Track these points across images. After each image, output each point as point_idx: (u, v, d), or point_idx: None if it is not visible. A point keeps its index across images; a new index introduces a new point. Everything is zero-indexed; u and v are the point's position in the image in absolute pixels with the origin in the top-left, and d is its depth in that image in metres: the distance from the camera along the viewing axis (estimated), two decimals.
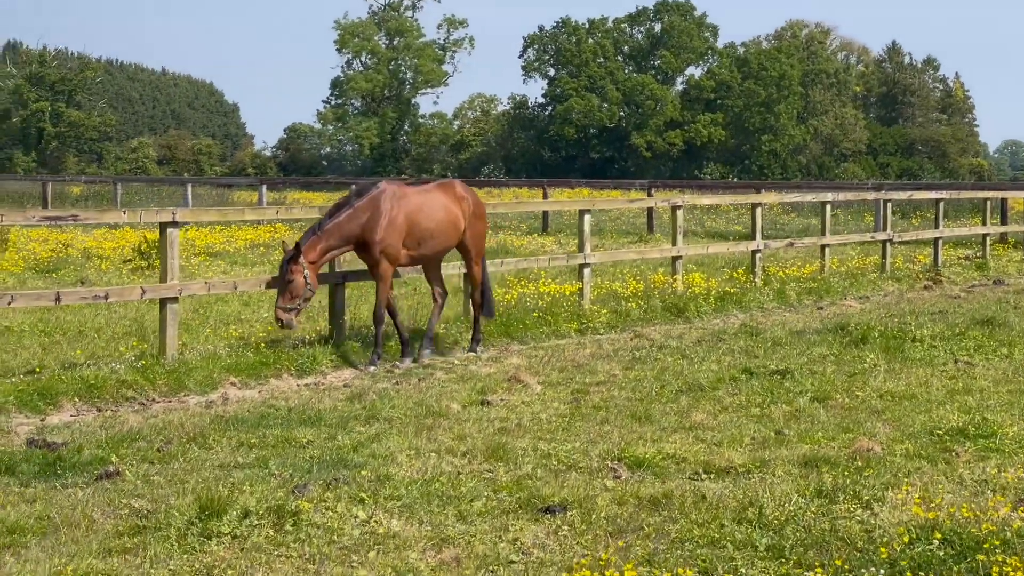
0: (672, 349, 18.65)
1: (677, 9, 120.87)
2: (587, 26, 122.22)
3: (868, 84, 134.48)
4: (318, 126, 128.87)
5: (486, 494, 10.54)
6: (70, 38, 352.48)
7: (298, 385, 16.47)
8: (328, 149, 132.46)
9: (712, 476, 11.20)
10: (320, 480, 10.87)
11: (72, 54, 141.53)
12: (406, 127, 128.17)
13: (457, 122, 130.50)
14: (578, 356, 18.29)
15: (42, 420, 14.04)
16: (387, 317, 18.16)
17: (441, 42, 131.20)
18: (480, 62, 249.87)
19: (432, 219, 18.37)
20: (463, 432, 12.99)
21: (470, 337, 19.32)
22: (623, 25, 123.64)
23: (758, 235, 27.11)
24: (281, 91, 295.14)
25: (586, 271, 22.38)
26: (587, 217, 22.61)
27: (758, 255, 26.77)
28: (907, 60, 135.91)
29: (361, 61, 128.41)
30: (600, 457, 11.83)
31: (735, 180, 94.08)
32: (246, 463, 11.62)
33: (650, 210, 42.22)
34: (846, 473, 11.04)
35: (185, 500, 10.10)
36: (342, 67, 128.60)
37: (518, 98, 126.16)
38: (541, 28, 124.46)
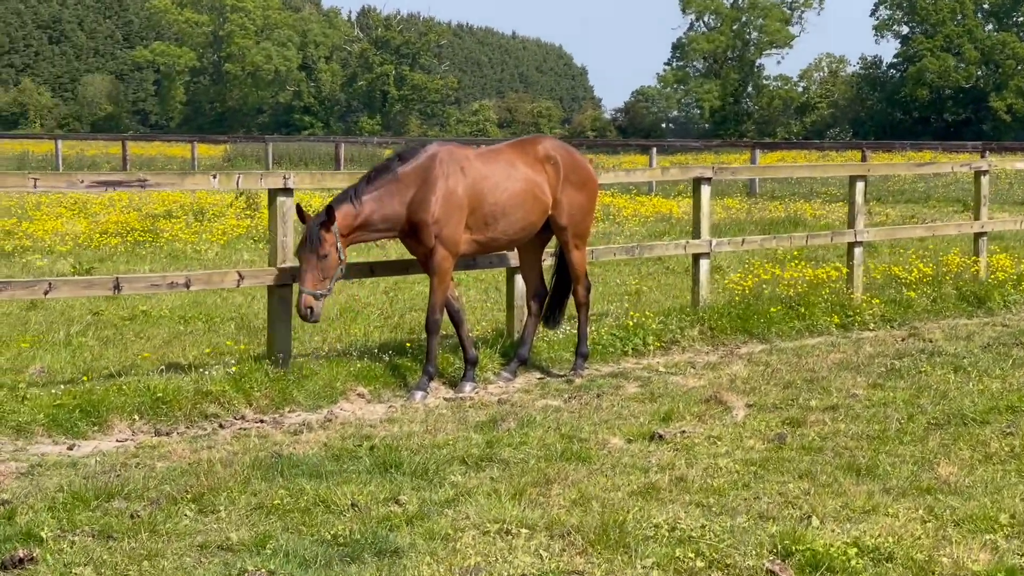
0: (947, 357, 14.15)
1: None
2: None
3: None
4: (663, 89, 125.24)
5: None
6: (420, 3, 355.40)
7: (443, 399, 12.77)
8: (675, 112, 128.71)
9: None
10: None
11: (420, 18, 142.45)
12: (749, 89, 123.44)
13: (803, 84, 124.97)
14: (819, 364, 13.98)
15: (69, 448, 10.66)
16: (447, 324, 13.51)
17: (789, 1, 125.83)
18: (828, 21, 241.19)
19: (504, 189, 13.31)
20: (588, 491, 8.96)
21: (574, 350, 14.41)
22: None
23: None
24: (629, 54, 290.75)
25: (857, 251, 17.90)
26: (859, 185, 17.94)
27: None
28: None
29: (704, 22, 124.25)
30: (761, 546, 7.76)
31: None
32: (238, 543, 7.87)
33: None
34: None
35: None
36: (684, 30, 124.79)
37: (869, 58, 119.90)
38: None
